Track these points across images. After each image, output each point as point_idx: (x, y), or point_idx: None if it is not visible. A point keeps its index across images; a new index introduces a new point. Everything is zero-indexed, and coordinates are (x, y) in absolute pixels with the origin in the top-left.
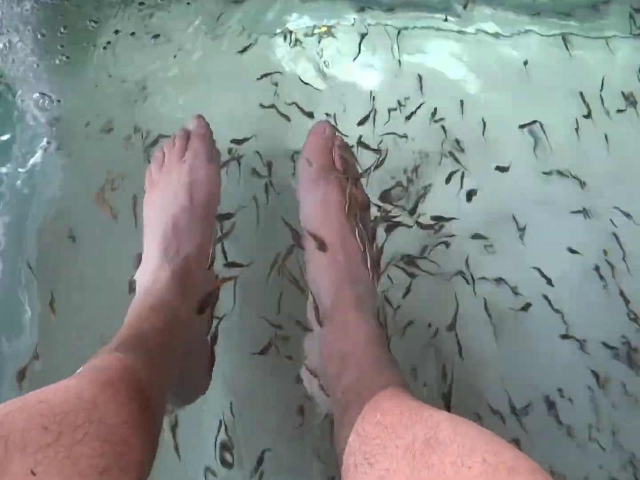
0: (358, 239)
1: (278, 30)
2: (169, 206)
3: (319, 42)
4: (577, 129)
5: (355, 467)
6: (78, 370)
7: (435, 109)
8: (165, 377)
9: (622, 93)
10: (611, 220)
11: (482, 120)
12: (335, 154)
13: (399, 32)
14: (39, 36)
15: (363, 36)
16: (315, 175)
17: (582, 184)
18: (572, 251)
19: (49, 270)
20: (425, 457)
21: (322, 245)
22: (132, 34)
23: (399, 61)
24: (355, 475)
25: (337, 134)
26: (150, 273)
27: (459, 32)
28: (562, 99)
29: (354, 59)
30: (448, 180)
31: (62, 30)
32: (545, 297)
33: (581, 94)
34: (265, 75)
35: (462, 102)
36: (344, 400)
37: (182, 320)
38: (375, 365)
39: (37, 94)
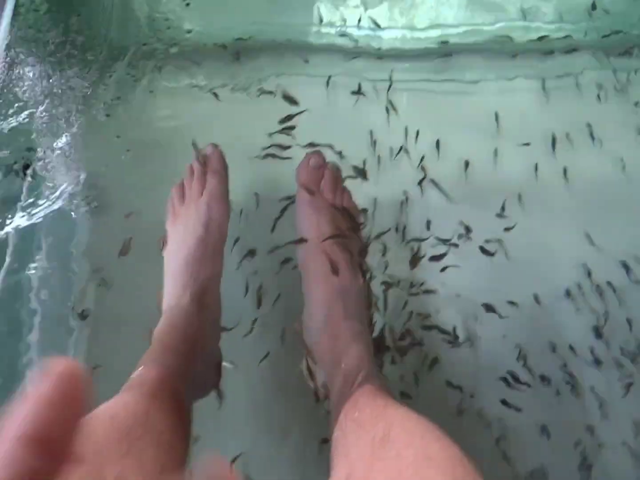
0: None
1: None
2: (188, 238)
3: None
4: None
5: (337, 457)
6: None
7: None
8: (189, 382)
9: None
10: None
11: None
12: (326, 181)
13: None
14: None
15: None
16: (313, 203)
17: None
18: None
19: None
20: (380, 450)
21: (334, 268)
22: None
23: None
24: (338, 461)
25: (326, 161)
26: (173, 296)
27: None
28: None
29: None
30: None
31: None
32: None
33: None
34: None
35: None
36: (335, 400)
37: (201, 335)
38: (357, 365)
39: None
